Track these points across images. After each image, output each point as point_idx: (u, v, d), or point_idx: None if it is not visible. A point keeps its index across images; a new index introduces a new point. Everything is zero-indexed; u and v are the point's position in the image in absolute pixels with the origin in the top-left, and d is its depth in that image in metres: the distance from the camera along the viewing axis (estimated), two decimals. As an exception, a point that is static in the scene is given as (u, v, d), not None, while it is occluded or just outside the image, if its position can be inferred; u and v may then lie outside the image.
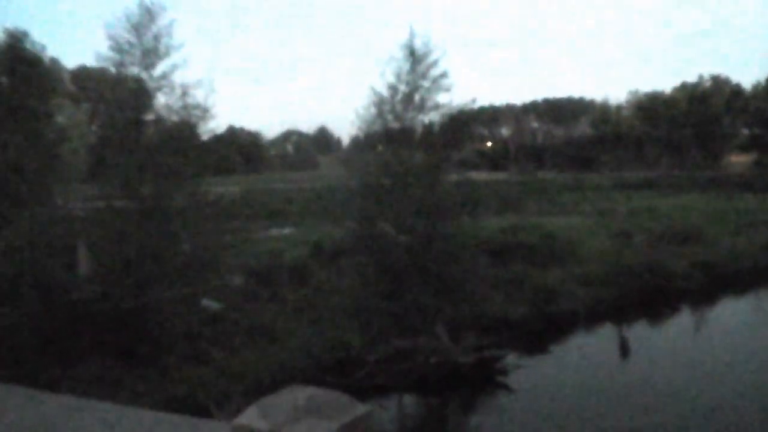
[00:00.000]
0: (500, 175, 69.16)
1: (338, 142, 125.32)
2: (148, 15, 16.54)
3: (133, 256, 15.28)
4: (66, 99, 40.76)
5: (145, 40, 16.56)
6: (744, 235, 31.92)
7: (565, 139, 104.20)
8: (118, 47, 16.52)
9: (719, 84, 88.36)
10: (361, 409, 2.32)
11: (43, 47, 23.55)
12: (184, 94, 16.81)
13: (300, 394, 2.58)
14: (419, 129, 19.51)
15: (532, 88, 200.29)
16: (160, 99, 17.09)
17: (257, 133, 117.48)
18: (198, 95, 16.85)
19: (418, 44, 18.48)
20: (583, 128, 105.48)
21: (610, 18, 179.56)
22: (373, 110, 18.76)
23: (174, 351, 15.22)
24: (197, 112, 17.12)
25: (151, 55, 16.66)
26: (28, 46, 21.48)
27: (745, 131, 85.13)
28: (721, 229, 32.97)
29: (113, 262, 15.43)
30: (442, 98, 18.75)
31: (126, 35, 16.48)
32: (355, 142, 35.60)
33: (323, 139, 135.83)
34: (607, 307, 22.61)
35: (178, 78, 16.90)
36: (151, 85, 16.89)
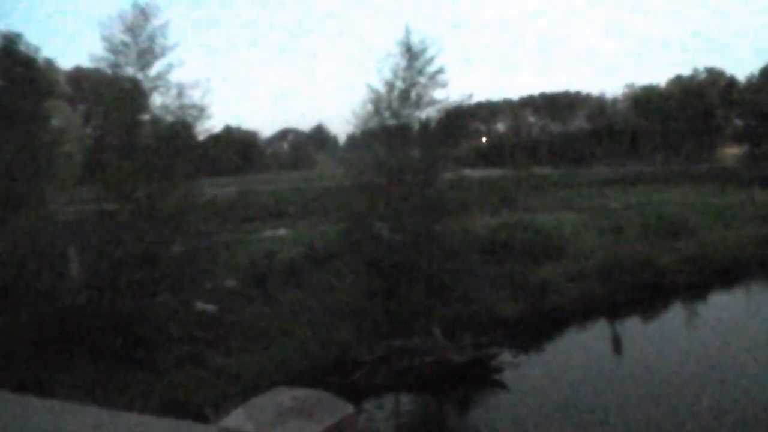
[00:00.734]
0: (495, 172, 69.15)
1: (335, 140, 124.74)
2: (143, 15, 16.55)
3: (125, 259, 15.26)
4: (62, 100, 40.57)
5: (140, 40, 16.56)
6: (733, 230, 32.12)
7: (560, 134, 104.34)
8: (113, 48, 16.53)
9: (714, 76, 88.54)
10: (347, 408, 2.39)
11: (38, 49, 23.50)
12: (180, 94, 16.86)
13: (286, 396, 2.65)
14: (416, 126, 19.55)
15: (530, 83, 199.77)
16: (156, 99, 17.14)
17: (254, 132, 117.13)
18: (194, 95, 16.94)
19: (414, 41, 18.56)
20: (579, 123, 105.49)
21: (607, 11, 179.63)
22: (369, 107, 18.82)
23: (169, 354, 15.23)
24: (193, 112, 17.15)
25: (146, 55, 16.66)
26: (22, 48, 21.43)
27: (739, 123, 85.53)
28: (711, 224, 33.17)
29: (105, 266, 15.42)
30: (438, 94, 18.80)
31: (121, 36, 16.51)
32: (351, 140, 35.48)
33: (320, 138, 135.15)
34: (600, 303, 22.74)
35: (174, 78, 16.99)
36: (146, 85, 16.91)
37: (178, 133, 17.36)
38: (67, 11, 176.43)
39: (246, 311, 18.93)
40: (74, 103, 48.34)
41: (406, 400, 16.08)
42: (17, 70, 20.39)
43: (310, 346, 16.70)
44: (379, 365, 16.32)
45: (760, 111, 77.35)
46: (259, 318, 18.47)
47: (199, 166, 18.09)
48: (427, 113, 19.16)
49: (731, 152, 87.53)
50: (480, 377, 16.52)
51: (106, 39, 16.37)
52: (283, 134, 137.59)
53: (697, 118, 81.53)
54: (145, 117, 17.37)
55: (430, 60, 18.58)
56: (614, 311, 22.33)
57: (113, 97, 16.94)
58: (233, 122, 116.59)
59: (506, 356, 17.48)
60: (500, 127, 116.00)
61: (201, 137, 19.09)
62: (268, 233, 36.23)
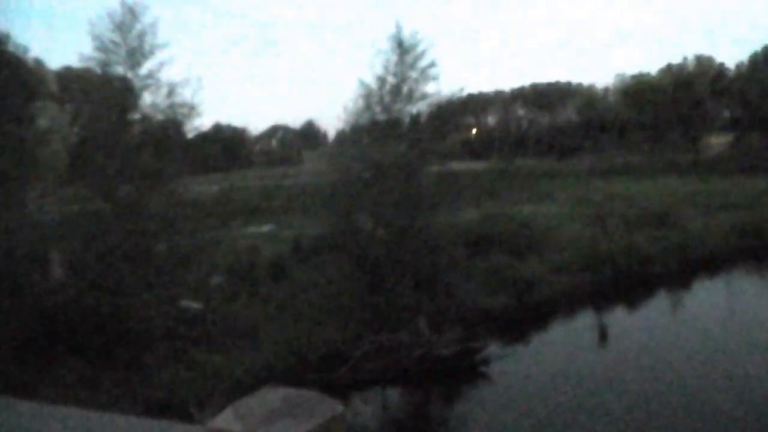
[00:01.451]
0: (481, 165, 69.41)
1: (324, 136, 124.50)
2: (131, 14, 16.37)
3: (109, 258, 15.11)
4: (50, 101, 40.02)
5: (129, 39, 16.40)
6: (716, 218, 32.54)
7: (549, 126, 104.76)
8: (102, 47, 16.37)
9: (703, 64, 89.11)
10: (338, 408, 2.35)
11: (27, 49, 23.16)
12: (171, 92, 16.74)
13: (275, 395, 2.60)
14: (406, 120, 19.60)
15: (521, 75, 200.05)
16: (147, 98, 17.02)
17: (243, 129, 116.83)
18: (185, 93, 16.82)
19: (405, 35, 18.57)
20: (569, 114, 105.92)
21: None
22: (361, 102, 18.84)
23: (153, 352, 15.10)
24: (184, 110, 17.07)
25: (136, 54, 16.51)
26: (10, 48, 21.08)
27: (726, 113, 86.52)
28: (694, 213, 33.57)
29: (88, 265, 15.24)
30: (430, 88, 18.89)
31: (110, 35, 16.34)
32: (340, 135, 35.44)
33: (310, 134, 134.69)
34: (585, 294, 22.95)
35: (165, 76, 16.87)
36: (137, 84, 16.76)
37: (167, 131, 17.28)
38: (55, 12, 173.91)
39: (232, 308, 18.81)
40: (63, 102, 47.64)
41: (392, 394, 16.11)
42: (4, 71, 20.05)
43: (296, 342, 16.64)
44: (366, 360, 16.32)
45: (747, 100, 78.19)
46: (245, 314, 18.36)
47: (186, 164, 18.00)
48: (418, 107, 19.26)
49: (717, 141, 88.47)
50: (466, 370, 16.60)
51: (95, 38, 16.22)
52: (273, 131, 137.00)
53: (687, 109, 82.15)
54: (136, 116, 17.23)
55: (422, 54, 18.65)
56: (599, 302, 22.55)
57: (102, 96, 16.78)
58: (223, 120, 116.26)
59: (493, 349, 17.57)
60: (491, 120, 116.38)
61: (190, 135, 19.04)
62: (252, 229, 36.05)
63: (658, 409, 13.60)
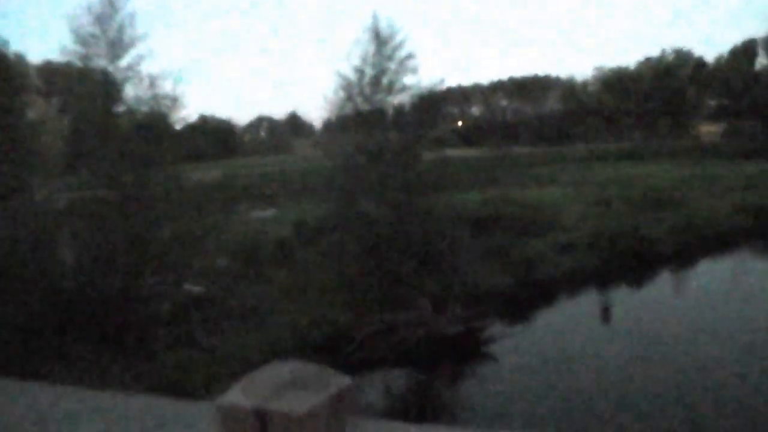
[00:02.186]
0: (474, 152, 69.55)
1: (310, 126, 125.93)
2: (110, 6, 16.22)
3: (115, 243, 15.20)
4: (34, 95, 40.03)
5: (109, 31, 16.26)
6: (720, 199, 32.51)
7: (536, 115, 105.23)
8: (82, 40, 16.23)
9: (682, 57, 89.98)
10: (345, 381, 2.37)
11: (7, 43, 23.05)
12: (152, 84, 16.67)
13: (283, 369, 2.62)
14: (390, 110, 19.66)
15: (496, 70, 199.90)
16: (129, 90, 16.95)
17: (228, 120, 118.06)
18: (166, 85, 16.78)
19: (382, 27, 18.53)
20: (551, 104, 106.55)
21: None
22: (341, 94, 18.85)
23: (160, 336, 15.23)
24: (167, 102, 17.01)
25: (116, 46, 16.39)
26: None
27: (711, 102, 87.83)
28: (698, 194, 33.53)
29: (96, 251, 15.34)
30: (409, 80, 18.97)
31: (89, 27, 16.21)
32: (328, 125, 35.57)
33: (295, 125, 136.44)
34: (589, 274, 23.00)
35: (145, 69, 16.81)
36: (118, 76, 16.66)
37: (155, 121, 17.27)
38: (33, 5, 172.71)
39: (236, 290, 18.95)
40: (47, 96, 47.55)
41: (397, 374, 16.24)
42: None
43: (301, 324, 16.76)
44: (370, 340, 16.44)
45: (733, 90, 79.27)
46: (250, 296, 18.50)
47: (180, 151, 18.03)
48: (400, 99, 19.31)
49: (708, 130, 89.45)
50: (470, 349, 16.71)
51: (74, 31, 16.06)
52: (259, 121, 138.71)
53: (670, 98, 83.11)
54: (120, 108, 17.20)
55: (399, 45, 18.63)
56: (603, 281, 22.60)
57: (85, 89, 16.72)
58: (207, 112, 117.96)
59: (497, 328, 17.68)
60: (474, 111, 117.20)
61: (178, 126, 19.05)
62: (256, 214, 36.17)
63: (664, 382, 13.70)
